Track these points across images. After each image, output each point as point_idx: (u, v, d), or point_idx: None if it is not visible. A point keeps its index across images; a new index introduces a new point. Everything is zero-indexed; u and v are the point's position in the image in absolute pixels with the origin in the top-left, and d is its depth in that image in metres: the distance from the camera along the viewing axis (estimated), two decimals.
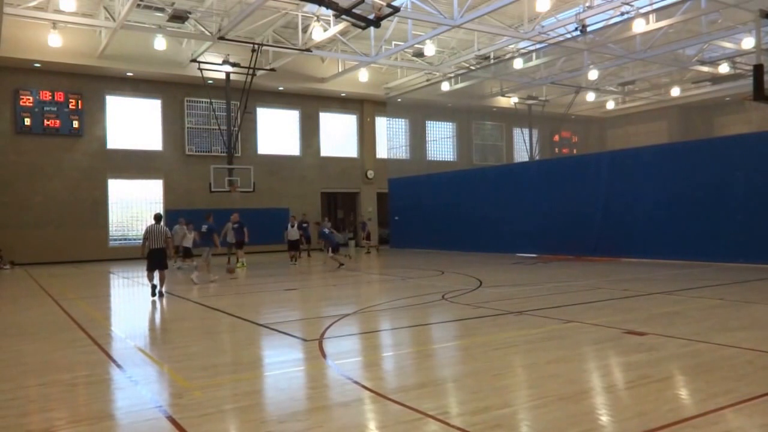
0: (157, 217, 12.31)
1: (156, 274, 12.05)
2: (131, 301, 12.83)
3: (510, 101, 32.20)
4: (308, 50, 22.45)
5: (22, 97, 22.77)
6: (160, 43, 22.01)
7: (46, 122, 23.17)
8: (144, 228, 12.52)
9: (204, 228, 15.48)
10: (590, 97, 33.21)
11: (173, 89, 25.70)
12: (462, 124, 33.86)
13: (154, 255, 11.96)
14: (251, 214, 23.92)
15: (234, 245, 19.24)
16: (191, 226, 18.05)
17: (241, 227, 18.85)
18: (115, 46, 21.93)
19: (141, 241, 12.24)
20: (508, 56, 26.13)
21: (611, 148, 29.88)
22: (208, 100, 25.14)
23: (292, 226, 21.01)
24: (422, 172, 28.90)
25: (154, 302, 11.57)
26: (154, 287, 12.01)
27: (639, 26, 20.11)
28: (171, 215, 24.52)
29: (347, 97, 29.63)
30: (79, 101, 23.76)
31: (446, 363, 6.32)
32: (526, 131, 33.64)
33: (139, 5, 19.04)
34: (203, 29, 20.99)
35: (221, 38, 20.70)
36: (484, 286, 12.48)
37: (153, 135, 25.73)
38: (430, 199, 26.25)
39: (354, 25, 15.07)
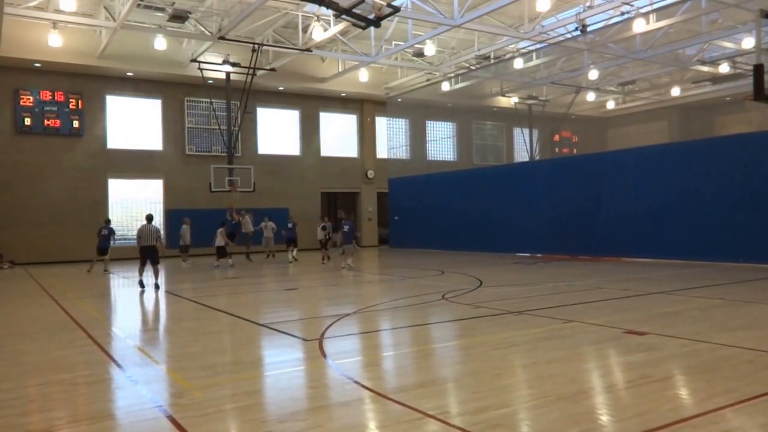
0: (149, 218, 13.60)
1: (150, 269, 13.31)
2: (131, 301, 12.82)
3: (510, 101, 32.20)
4: (308, 50, 22.46)
5: (22, 96, 22.76)
6: (160, 43, 22.01)
7: (46, 122, 23.16)
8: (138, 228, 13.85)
9: (346, 227, 17.55)
10: (590, 97, 33.21)
11: (173, 89, 25.70)
12: (462, 124, 33.86)
13: (147, 251, 13.22)
14: (251, 214, 23.90)
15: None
16: (270, 223, 22.20)
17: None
18: (116, 46, 21.93)
19: (148, 240, 13.41)
20: (508, 56, 26.13)
21: (611, 148, 29.97)
22: (209, 100, 25.14)
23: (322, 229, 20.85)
24: (422, 172, 28.90)
25: (144, 298, 11.61)
26: (141, 283, 13.28)
27: (639, 26, 20.11)
28: (171, 215, 24.59)
29: (347, 97, 29.63)
30: (80, 101, 23.76)
31: (446, 363, 6.32)
32: (526, 131, 33.63)
33: (139, 5, 19.05)
34: (203, 29, 20.99)
35: (221, 38, 20.71)
36: (485, 286, 12.48)
37: (153, 135, 25.73)
38: (430, 199, 26.24)
39: (354, 25, 15.07)
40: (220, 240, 19.23)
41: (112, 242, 18.53)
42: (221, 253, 19.24)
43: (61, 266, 21.30)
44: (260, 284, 15.13)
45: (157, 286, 13.22)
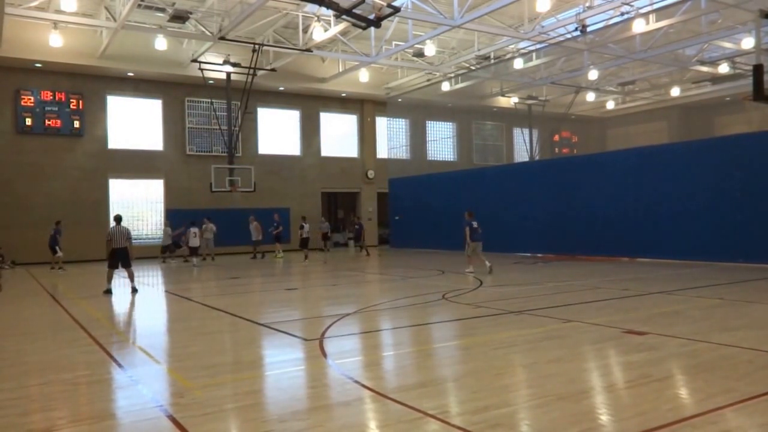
0: (118, 218, 13.14)
1: (123, 272, 12.97)
2: (131, 301, 12.83)
3: (510, 101, 32.20)
4: (309, 50, 22.47)
5: (23, 97, 22.77)
6: (160, 43, 22.02)
7: (47, 122, 23.17)
8: (109, 230, 13.25)
9: (475, 224, 16.12)
10: (590, 97, 33.21)
11: (174, 89, 25.71)
12: (462, 124, 33.87)
13: (119, 254, 12.73)
14: (252, 214, 23.96)
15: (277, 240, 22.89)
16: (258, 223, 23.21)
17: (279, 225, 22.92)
18: (116, 46, 21.94)
19: (119, 242, 12.88)
20: (508, 56, 26.13)
21: (611, 148, 29.98)
22: (209, 100, 25.15)
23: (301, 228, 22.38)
24: (422, 172, 28.91)
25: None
26: (110, 290, 12.69)
27: (639, 26, 20.11)
28: (172, 215, 24.58)
29: (348, 97, 29.64)
30: (80, 101, 23.77)
31: (446, 362, 6.33)
32: (526, 131, 33.64)
33: (139, 5, 19.06)
34: (204, 29, 21.00)
35: (222, 38, 20.72)
36: (485, 286, 12.49)
37: (154, 135, 25.74)
38: (431, 199, 26.26)
39: (354, 25, 15.07)
40: (195, 240, 20.33)
41: (58, 241, 19.52)
42: (195, 251, 20.41)
43: (63, 264, 21.30)
44: (261, 284, 15.14)
45: (134, 290, 12.81)
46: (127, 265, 12.85)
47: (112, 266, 12.79)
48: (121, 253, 12.72)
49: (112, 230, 12.80)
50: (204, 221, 22.44)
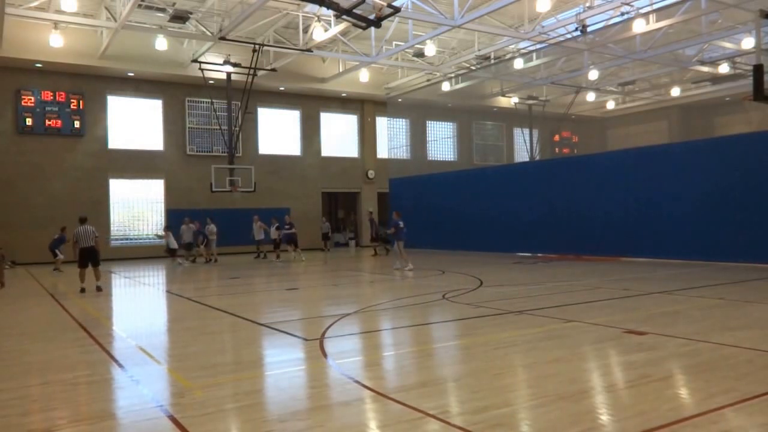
0: (83, 219, 13.21)
1: (90, 271, 12.97)
2: (132, 301, 12.86)
3: (510, 101, 32.21)
4: (309, 50, 22.47)
5: (23, 97, 22.78)
6: (161, 43, 22.03)
7: (47, 122, 23.18)
8: (77, 230, 13.11)
9: (401, 224, 16.87)
10: (590, 97, 33.21)
11: (174, 89, 25.73)
12: (462, 124, 33.89)
13: (87, 253, 12.86)
14: (252, 213, 23.96)
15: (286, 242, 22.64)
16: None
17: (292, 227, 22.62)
18: (117, 47, 21.96)
19: (86, 242, 12.93)
20: (508, 56, 26.14)
21: (611, 148, 29.99)
22: (209, 100, 25.17)
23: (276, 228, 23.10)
24: (423, 172, 28.91)
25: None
26: (84, 289, 12.77)
27: (639, 26, 20.12)
28: (172, 215, 24.64)
29: (348, 97, 29.65)
30: (81, 101, 23.78)
31: (447, 362, 6.33)
32: (526, 131, 33.65)
33: (140, 5, 19.07)
34: (204, 29, 21.01)
35: (222, 38, 20.72)
36: (485, 286, 12.49)
37: (154, 135, 25.76)
38: (431, 199, 26.26)
39: (355, 25, 15.07)
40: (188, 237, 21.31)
41: (58, 246, 19.46)
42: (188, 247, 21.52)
43: (62, 266, 21.31)
44: (261, 284, 15.15)
45: (99, 289, 12.85)
46: (95, 264, 13.00)
47: (83, 266, 12.95)
48: (89, 252, 12.88)
49: (77, 231, 12.87)
50: (207, 221, 22.42)
